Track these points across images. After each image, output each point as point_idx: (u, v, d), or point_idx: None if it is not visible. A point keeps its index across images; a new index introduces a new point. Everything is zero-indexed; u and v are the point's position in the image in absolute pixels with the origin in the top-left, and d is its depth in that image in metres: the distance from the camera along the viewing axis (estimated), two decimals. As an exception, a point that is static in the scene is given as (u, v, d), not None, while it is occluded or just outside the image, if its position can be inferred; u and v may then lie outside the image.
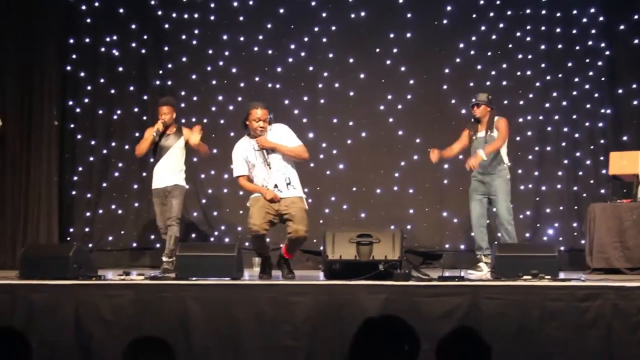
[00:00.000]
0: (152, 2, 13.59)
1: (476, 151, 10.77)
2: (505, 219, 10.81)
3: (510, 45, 13.31)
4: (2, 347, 4.19)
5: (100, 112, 13.44)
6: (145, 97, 12.31)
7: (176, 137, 11.15)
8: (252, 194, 9.97)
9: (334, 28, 13.49)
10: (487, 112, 10.95)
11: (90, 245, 12.84)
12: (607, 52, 13.19)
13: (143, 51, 13.65)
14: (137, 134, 12.52)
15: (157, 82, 13.58)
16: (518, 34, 13.29)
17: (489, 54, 13.32)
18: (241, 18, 13.55)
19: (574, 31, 13.23)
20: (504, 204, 10.88)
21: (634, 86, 13.08)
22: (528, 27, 13.29)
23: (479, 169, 10.82)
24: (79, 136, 13.52)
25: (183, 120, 13.08)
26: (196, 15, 13.58)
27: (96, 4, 13.53)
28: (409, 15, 13.41)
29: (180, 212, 11.22)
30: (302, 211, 9.85)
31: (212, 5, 13.56)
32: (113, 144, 13.34)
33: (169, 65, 13.62)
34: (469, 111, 12.29)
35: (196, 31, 13.59)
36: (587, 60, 13.21)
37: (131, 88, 13.41)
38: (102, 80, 13.52)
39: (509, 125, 11.14)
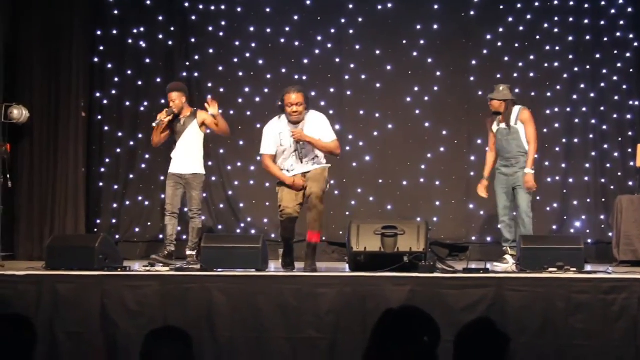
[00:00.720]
0: (179, -6, 13.68)
1: (524, 173, 10.74)
2: (524, 210, 10.77)
3: (537, 37, 13.29)
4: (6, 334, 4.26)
5: (128, 103, 13.49)
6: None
7: (190, 120, 11.03)
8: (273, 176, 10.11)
9: (360, 20, 13.48)
10: (501, 104, 10.86)
11: (117, 236, 12.97)
12: (636, 44, 13.16)
13: (170, 43, 13.66)
14: (163, 126, 12.56)
15: (184, 74, 13.55)
16: (545, 25, 13.26)
17: (516, 45, 13.29)
18: (268, 9, 13.57)
19: (602, 22, 13.20)
20: (524, 195, 10.86)
21: (663, 79, 13.04)
22: (555, 19, 13.24)
23: (502, 162, 10.83)
24: (106, 128, 13.55)
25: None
26: (223, 7, 13.60)
27: (123, -4, 13.62)
28: (435, 6, 13.41)
29: (200, 202, 11.14)
30: (320, 174, 9.76)
31: (239, -4, 13.63)
32: (140, 135, 13.34)
33: (196, 57, 13.64)
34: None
35: (223, 23, 13.60)
36: (615, 52, 13.16)
37: (158, 80, 13.41)
38: (129, 72, 13.57)
39: (532, 115, 11.09)
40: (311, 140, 9.74)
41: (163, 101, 11.22)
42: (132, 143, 13.43)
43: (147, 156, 13.16)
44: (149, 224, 13.44)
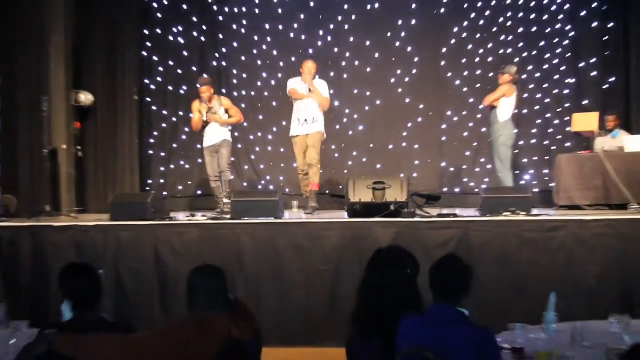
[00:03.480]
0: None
1: None
2: (497, 167, 10.89)
3: (494, 29, 13.28)
4: (81, 278, 4.40)
5: (170, 88, 13.51)
6: (205, 75, 12.35)
7: (217, 104, 11.01)
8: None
9: (354, 17, 13.48)
10: (505, 81, 10.95)
11: (164, 193, 13.03)
12: (571, 34, 13.14)
13: (202, 39, 13.68)
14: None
15: (214, 63, 13.61)
16: (501, 19, 13.26)
17: (477, 36, 13.31)
18: (280, 10, 13.57)
19: (545, 17, 13.17)
20: (496, 155, 11.01)
21: (592, 61, 13.01)
22: (509, 14, 13.23)
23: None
24: (153, 108, 13.58)
25: (235, 94, 13.40)
26: (244, 9, 13.60)
27: (165, 2, 13.55)
28: (413, 6, 13.44)
29: (229, 159, 11.13)
30: (317, 139, 10.53)
31: (257, 1, 13.60)
32: (180, 113, 13.36)
33: (223, 50, 13.66)
34: (462, 82, 12.48)
35: (244, 22, 13.62)
36: (555, 40, 13.14)
37: (193, 68, 13.43)
38: (170, 63, 13.57)
39: (509, 94, 11.05)
40: (313, 85, 10.73)
41: (198, 85, 11.25)
42: (174, 119, 13.48)
43: (186, 129, 13.15)
44: (189, 183, 13.53)
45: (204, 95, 11.01)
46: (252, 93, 13.59)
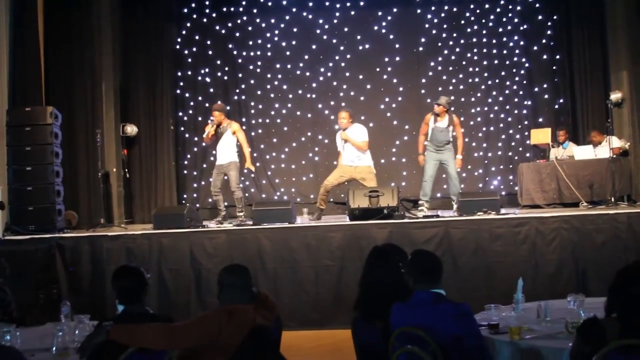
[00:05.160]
0: (230, 46, 13.63)
1: (456, 158, 10.47)
2: (456, 178, 10.40)
3: (464, 62, 13.29)
4: (129, 278, 4.34)
5: (200, 119, 13.47)
6: (228, 108, 12.32)
7: (226, 128, 10.61)
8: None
9: (348, 56, 13.49)
10: (444, 110, 10.36)
11: (197, 205, 13.01)
12: (527, 65, 13.20)
13: (225, 78, 13.69)
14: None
15: (235, 98, 13.61)
16: (468, 54, 13.29)
17: (450, 68, 13.31)
18: (287, 53, 13.57)
19: (505, 52, 13.22)
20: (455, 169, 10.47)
21: (545, 86, 13.09)
22: (475, 50, 13.27)
23: (435, 146, 10.44)
24: (186, 135, 13.58)
25: (253, 121, 13.47)
26: (259, 52, 13.59)
27: (194, 49, 13.58)
28: (397, 45, 13.44)
29: (238, 180, 10.62)
30: (365, 171, 10.21)
31: (269, 45, 13.56)
32: (209, 140, 13.36)
33: (242, 86, 13.65)
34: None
35: (259, 63, 13.61)
36: (514, 70, 13.20)
37: (219, 102, 13.35)
38: (199, 98, 13.57)
39: (459, 120, 10.83)
40: (347, 137, 10.21)
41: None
42: (203, 144, 13.30)
43: (213, 152, 13.12)
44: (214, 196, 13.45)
45: (214, 117, 10.73)
46: (267, 120, 13.58)
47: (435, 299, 4.07)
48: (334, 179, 10.37)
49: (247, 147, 10.77)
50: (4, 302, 5.05)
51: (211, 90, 13.63)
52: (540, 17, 13.12)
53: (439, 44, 13.35)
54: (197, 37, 13.63)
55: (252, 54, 13.63)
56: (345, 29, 13.52)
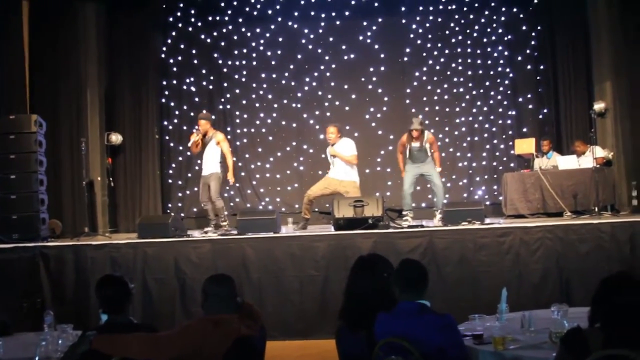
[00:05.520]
0: (215, 55, 13.61)
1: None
2: (441, 187, 10.55)
3: (448, 72, 13.30)
4: (113, 287, 4.34)
5: (184, 128, 13.44)
6: (213, 117, 12.32)
7: (211, 138, 10.70)
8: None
9: (333, 66, 13.49)
10: (419, 132, 10.43)
11: (182, 214, 12.85)
12: (511, 75, 13.23)
13: (210, 87, 13.66)
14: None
15: (220, 107, 13.58)
16: (453, 64, 13.29)
17: (435, 78, 13.32)
18: (273, 62, 13.54)
19: (489, 62, 13.24)
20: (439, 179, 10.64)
21: (529, 96, 13.11)
22: (459, 60, 13.27)
23: (413, 163, 10.60)
24: (171, 144, 13.54)
25: (238, 131, 13.45)
26: (244, 62, 13.57)
27: (179, 58, 13.54)
28: (382, 55, 13.44)
29: (218, 191, 10.71)
30: (351, 186, 10.23)
31: (254, 55, 13.54)
32: (193, 148, 13.33)
33: (228, 95, 13.62)
34: (424, 116, 12.41)
35: (244, 72, 13.59)
36: (498, 80, 13.23)
37: (204, 111, 13.28)
38: (185, 107, 13.54)
39: (435, 138, 10.88)
40: (336, 153, 10.31)
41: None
42: (188, 154, 13.20)
43: (198, 161, 13.09)
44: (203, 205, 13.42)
45: (199, 127, 10.79)
46: (252, 130, 13.55)
47: (419, 310, 4.09)
48: (318, 190, 10.40)
49: (231, 158, 10.79)
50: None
51: (196, 99, 13.60)
52: (524, 28, 13.17)
53: (424, 54, 13.37)
54: (182, 46, 13.61)
55: (237, 63, 13.62)
56: (331, 39, 13.52)
